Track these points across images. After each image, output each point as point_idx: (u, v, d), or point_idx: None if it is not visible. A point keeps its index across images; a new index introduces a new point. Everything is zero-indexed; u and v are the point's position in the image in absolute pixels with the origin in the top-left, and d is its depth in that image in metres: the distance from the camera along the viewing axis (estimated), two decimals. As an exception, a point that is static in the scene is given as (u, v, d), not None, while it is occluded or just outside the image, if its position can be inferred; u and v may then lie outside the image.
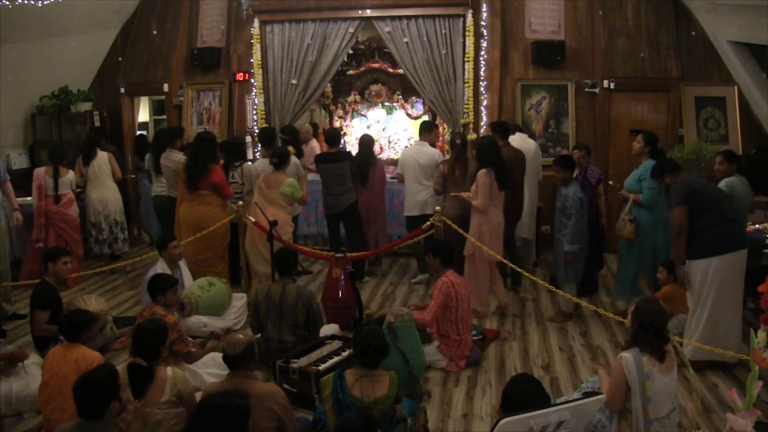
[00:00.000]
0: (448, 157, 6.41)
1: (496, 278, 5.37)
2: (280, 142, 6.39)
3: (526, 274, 5.23)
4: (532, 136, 7.06)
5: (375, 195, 6.40)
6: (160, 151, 6.16)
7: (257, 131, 7.34)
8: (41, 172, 6.31)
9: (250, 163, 6.18)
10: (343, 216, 6.21)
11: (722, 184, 4.73)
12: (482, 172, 5.11)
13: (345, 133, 8.39)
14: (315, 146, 7.69)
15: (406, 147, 7.87)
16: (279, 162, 5.60)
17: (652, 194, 5.01)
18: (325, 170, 6.21)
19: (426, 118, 8.07)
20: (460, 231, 5.19)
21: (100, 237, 6.73)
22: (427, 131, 6.44)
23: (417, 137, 6.65)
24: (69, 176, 6.39)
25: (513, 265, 5.36)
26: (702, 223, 4.08)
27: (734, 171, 4.88)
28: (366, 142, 6.48)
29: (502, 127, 5.99)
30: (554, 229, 5.27)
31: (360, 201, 6.24)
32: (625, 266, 5.22)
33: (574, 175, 5.37)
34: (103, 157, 6.68)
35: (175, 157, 5.94)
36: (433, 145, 6.53)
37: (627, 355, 2.93)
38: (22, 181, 7.85)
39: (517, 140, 6.46)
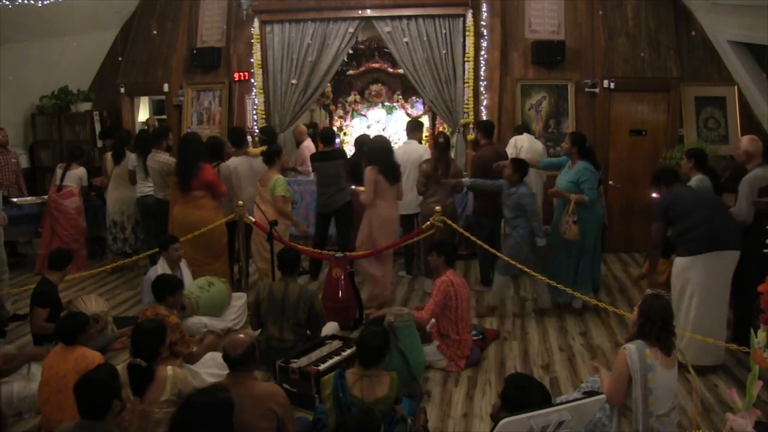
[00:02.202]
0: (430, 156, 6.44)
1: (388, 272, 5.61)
2: (259, 143, 6.36)
3: (527, 270, 5.23)
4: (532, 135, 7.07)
5: None
6: (145, 152, 6.15)
7: (257, 131, 7.35)
8: (57, 167, 6.87)
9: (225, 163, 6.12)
10: (335, 215, 6.20)
11: (694, 182, 4.76)
12: (368, 169, 5.36)
13: (345, 133, 8.40)
14: (309, 146, 7.68)
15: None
16: (267, 160, 5.60)
17: (594, 193, 5.13)
18: (320, 169, 6.23)
19: (426, 118, 8.09)
20: (460, 230, 5.20)
21: (122, 236, 6.75)
22: (416, 130, 6.48)
23: (408, 134, 6.60)
24: (78, 172, 6.73)
25: (496, 252, 5.38)
26: (680, 228, 4.20)
27: (692, 168, 4.89)
28: (362, 142, 6.44)
29: (485, 127, 6.09)
30: (506, 225, 5.36)
31: (356, 201, 6.22)
32: (560, 266, 5.28)
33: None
34: (130, 157, 6.65)
35: (160, 158, 5.92)
36: (419, 143, 6.58)
37: (631, 346, 2.96)
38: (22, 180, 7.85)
39: (525, 141, 6.49)
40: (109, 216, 6.77)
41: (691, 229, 4.15)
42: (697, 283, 4.13)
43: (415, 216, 6.30)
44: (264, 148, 6.04)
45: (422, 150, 6.41)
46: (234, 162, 5.87)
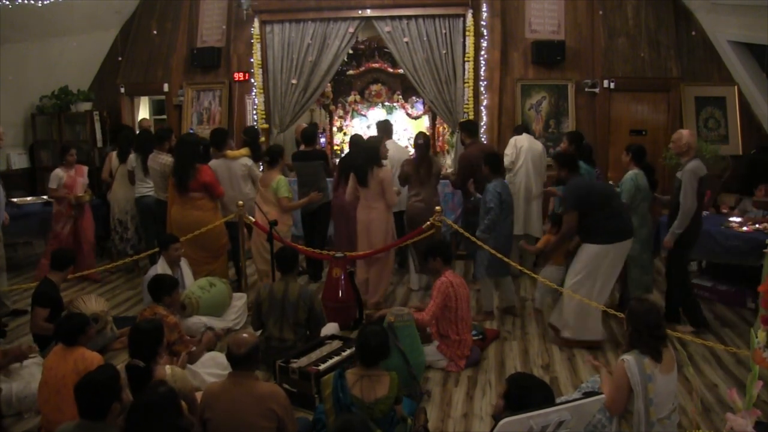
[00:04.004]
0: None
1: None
2: (243, 144, 6.34)
3: (527, 271, 5.23)
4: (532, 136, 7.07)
5: None
6: (146, 153, 6.14)
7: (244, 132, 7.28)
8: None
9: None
10: (314, 215, 6.19)
11: (629, 176, 4.99)
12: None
13: (345, 133, 8.40)
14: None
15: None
16: (270, 160, 5.62)
17: None
18: (299, 168, 6.25)
19: (426, 118, 8.09)
20: (461, 230, 5.20)
21: (125, 236, 6.72)
22: (390, 130, 6.50)
23: (382, 136, 6.49)
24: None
25: (508, 255, 5.36)
26: (594, 218, 4.50)
27: (629, 162, 5.07)
28: (355, 141, 6.30)
29: (468, 126, 6.09)
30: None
31: (345, 202, 6.19)
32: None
33: None
34: (130, 157, 6.58)
35: (162, 159, 5.90)
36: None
37: (629, 358, 2.92)
38: (22, 180, 7.85)
39: (525, 141, 6.50)
40: (113, 216, 6.74)
41: (604, 220, 4.47)
42: (607, 268, 4.53)
43: (398, 215, 6.33)
44: (246, 150, 6.03)
45: (406, 150, 6.50)
46: (213, 164, 5.83)
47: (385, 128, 6.46)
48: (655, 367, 2.89)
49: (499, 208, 5.11)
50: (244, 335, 3.04)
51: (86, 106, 8.34)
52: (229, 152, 5.89)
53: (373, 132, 8.16)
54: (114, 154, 6.85)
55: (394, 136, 8.34)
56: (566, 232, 4.66)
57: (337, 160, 7.12)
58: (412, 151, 6.55)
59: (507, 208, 5.22)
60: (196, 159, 5.47)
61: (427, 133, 7.09)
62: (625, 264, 5.07)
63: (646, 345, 2.92)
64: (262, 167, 6.19)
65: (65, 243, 6.25)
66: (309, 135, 6.39)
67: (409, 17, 7.19)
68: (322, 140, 8.11)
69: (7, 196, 6.17)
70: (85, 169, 6.56)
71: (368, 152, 5.47)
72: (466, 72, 7.23)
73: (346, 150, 7.05)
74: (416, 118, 8.15)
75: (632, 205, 4.93)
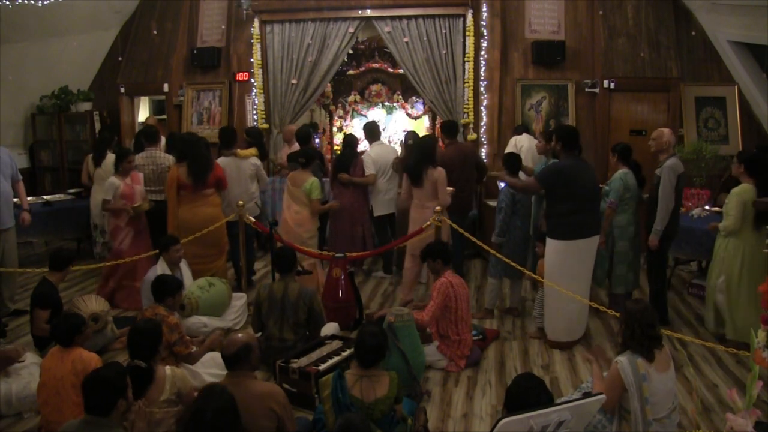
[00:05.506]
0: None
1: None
2: (246, 145, 6.35)
3: (527, 272, 5.22)
4: (531, 136, 7.07)
5: (358, 195, 6.28)
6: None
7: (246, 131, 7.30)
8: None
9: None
10: None
11: (618, 176, 5.02)
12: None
13: (345, 133, 8.40)
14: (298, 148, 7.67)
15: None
16: (306, 162, 5.65)
17: None
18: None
19: (426, 118, 8.09)
20: (459, 230, 5.19)
21: (102, 239, 6.62)
22: (377, 132, 6.51)
23: (368, 138, 6.57)
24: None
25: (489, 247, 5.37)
26: (561, 209, 4.50)
27: (617, 162, 5.13)
28: (348, 141, 6.48)
29: (446, 127, 6.05)
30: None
31: (343, 202, 6.20)
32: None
33: None
34: (112, 159, 6.49)
35: (159, 155, 5.91)
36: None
37: (622, 359, 2.94)
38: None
39: (525, 141, 6.50)
40: (92, 219, 6.68)
41: (567, 215, 4.47)
42: (570, 265, 4.51)
43: (386, 217, 6.35)
44: (254, 150, 6.04)
45: (395, 152, 6.50)
46: (222, 162, 5.85)
47: (371, 130, 6.45)
48: (648, 367, 2.90)
49: (511, 209, 5.11)
50: (239, 335, 3.04)
51: (86, 106, 8.34)
52: (240, 151, 5.93)
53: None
54: (90, 157, 6.74)
55: (394, 137, 8.42)
56: (524, 187, 4.84)
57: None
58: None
59: (522, 209, 5.19)
60: (210, 155, 5.62)
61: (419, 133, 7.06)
62: (611, 261, 5.09)
63: (639, 344, 2.94)
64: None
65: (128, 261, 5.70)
66: (304, 135, 6.40)
67: (409, 17, 7.20)
68: (317, 141, 8.10)
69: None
70: (141, 175, 5.85)
71: (422, 151, 5.37)
72: (466, 72, 7.24)
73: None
74: (416, 118, 8.15)
75: (621, 204, 4.96)
